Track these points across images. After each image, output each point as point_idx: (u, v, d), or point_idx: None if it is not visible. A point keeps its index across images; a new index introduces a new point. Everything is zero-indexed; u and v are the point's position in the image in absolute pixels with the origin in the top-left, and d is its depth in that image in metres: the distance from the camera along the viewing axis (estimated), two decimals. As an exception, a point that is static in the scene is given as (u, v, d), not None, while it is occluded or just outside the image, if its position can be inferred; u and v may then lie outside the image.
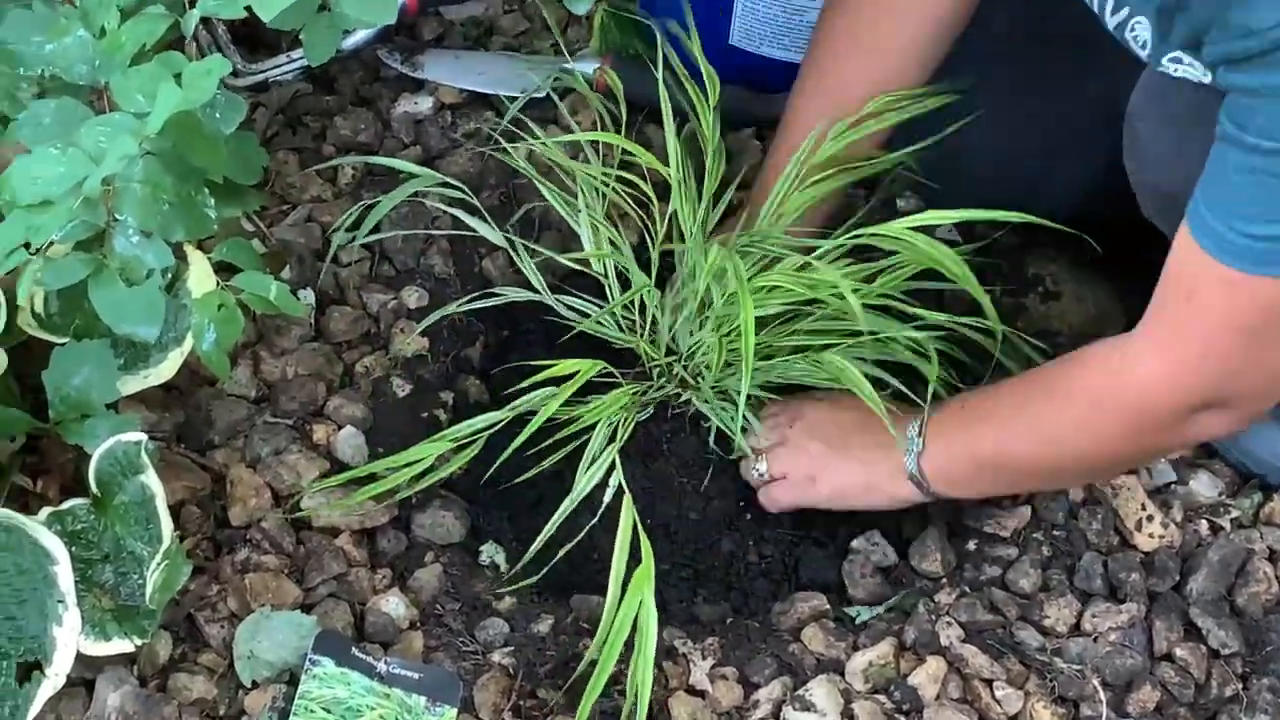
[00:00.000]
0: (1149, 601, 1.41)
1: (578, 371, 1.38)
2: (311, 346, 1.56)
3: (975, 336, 1.46)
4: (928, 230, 1.40)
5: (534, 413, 1.41)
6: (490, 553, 1.49)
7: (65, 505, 1.30)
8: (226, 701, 1.30)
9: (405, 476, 1.41)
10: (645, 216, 1.51)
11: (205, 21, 1.60)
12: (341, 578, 1.39)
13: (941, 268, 1.39)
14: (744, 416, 1.42)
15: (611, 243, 1.51)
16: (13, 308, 1.31)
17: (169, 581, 1.25)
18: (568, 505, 1.38)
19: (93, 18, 1.31)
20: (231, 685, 1.31)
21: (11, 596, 1.23)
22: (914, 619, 1.39)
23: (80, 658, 1.23)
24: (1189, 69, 1.14)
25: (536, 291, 1.53)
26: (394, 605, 1.37)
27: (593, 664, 1.27)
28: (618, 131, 1.53)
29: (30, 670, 1.22)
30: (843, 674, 1.36)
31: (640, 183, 1.50)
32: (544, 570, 1.40)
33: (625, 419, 1.44)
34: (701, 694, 1.35)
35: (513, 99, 1.75)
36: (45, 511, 1.30)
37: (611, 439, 1.42)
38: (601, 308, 1.51)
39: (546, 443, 1.41)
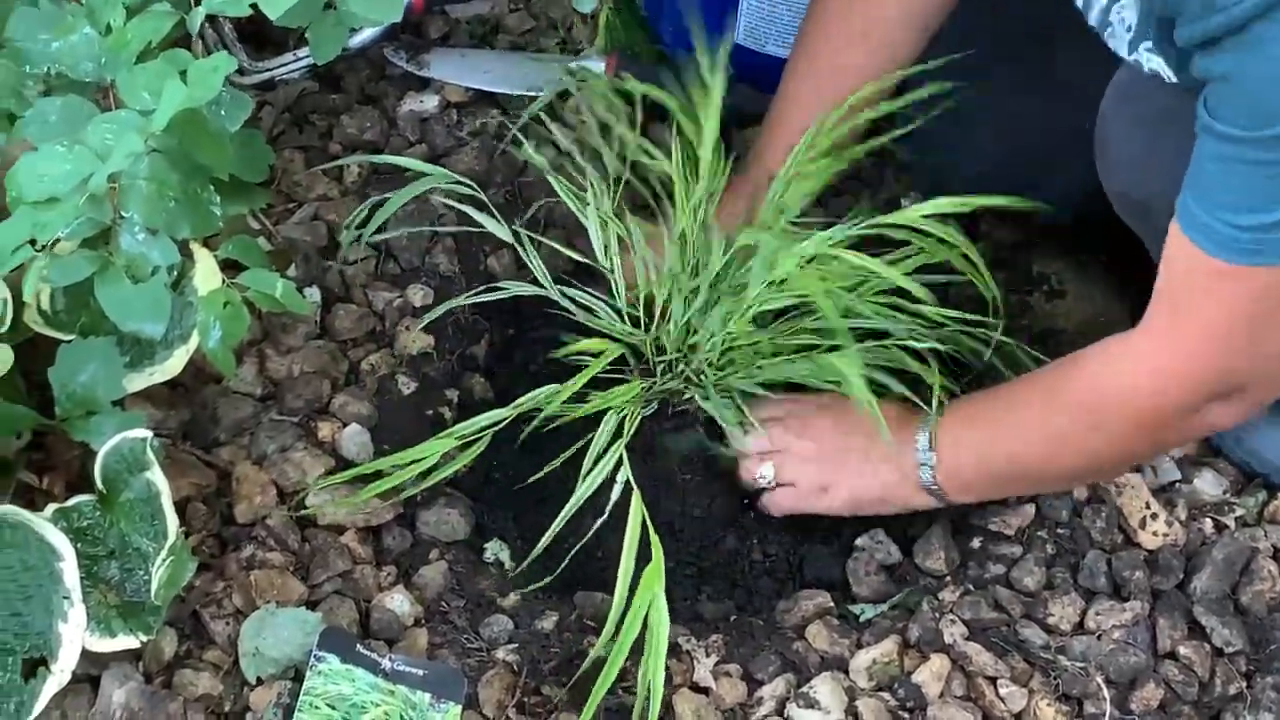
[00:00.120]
0: (1153, 600, 1.41)
1: (588, 365, 1.38)
2: (317, 344, 1.56)
3: (973, 343, 1.45)
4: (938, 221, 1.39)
5: (539, 410, 1.41)
6: (495, 550, 1.49)
7: (71, 502, 1.30)
8: (231, 698, 1.30)
9: (410, 474, 1.41)
10: (657, 211, 1.50)
11: (211, 19, 1.60)
12: (346, 575, 1.39)
13: (955, 259, 1.39)
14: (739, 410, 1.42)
15: (620, 239, 1.51)
16: (19, 305, 1.32)
17: (174, 578, 1.26)
18: (575, 502, 1.38)
19: (99, 15, 1.31)
20: (236, 682, 1.31)
21: (17, 592, 1.24)
22: (918, 616, 1.39)
23: (85, 654, 1.23)
24: (1160, 64, 1.14)
25: (542, 286, 1.53)
26: (399, 602, 1.38)
27: (596, 661, 1.28)
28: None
29: (36, 666, 1.22)
30: (847, 671, 1.36)
31: (641, 185, 1.49)
32: (549, 567, 1.40)
33: (632, 413, 1.44)
34: (705, 691, 1.35)
35: (519, 97, 1.75)
36: (51, 508, 1.30)
37: (618, 435, 1.42)
38: (607, 303, 1.51)
39: (551, 441, 1.42)
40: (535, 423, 1.39)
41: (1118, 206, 1.34)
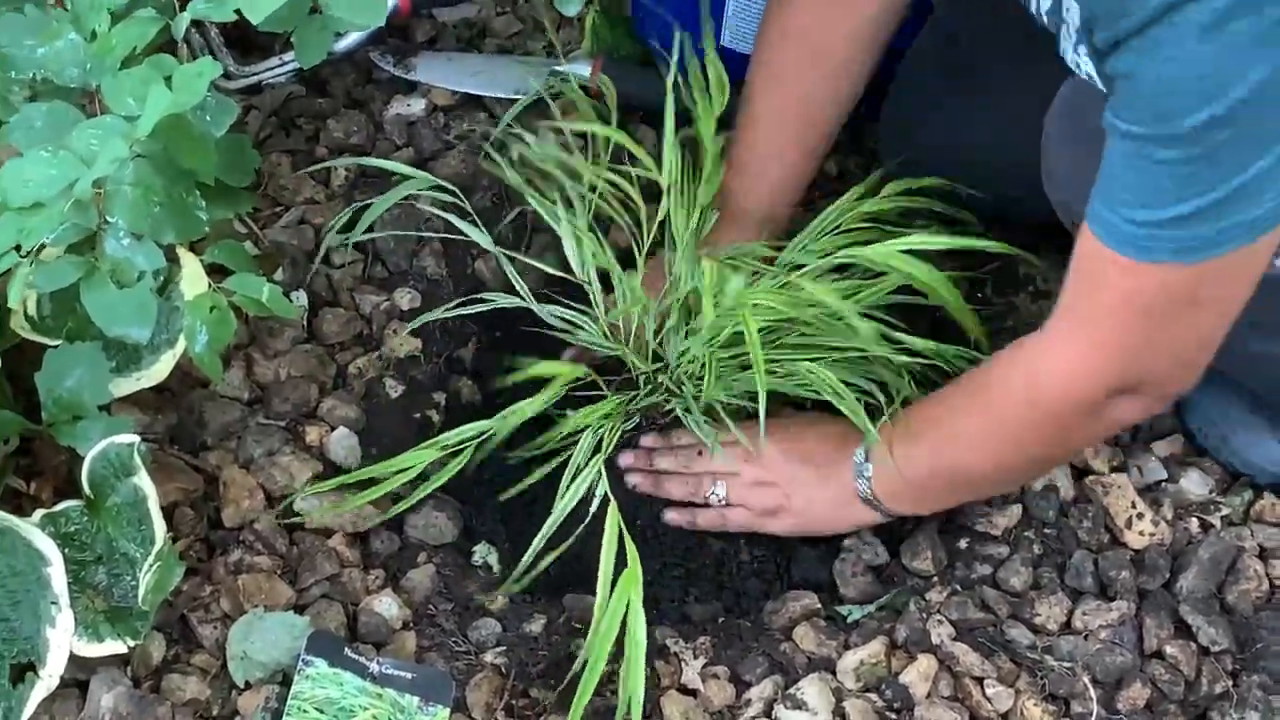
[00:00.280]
0: (1139, 599, 1.42)
1: (558, 375, 1.38)
2: (304, 348, 1.56)
3: (959, 364, 1.46)
4: (919, 252, 1.40)
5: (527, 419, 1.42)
6: (483, 553, 1.49)
7: (58, 507, 1.30)
8: (219, 702, 1.30)
9: (397, 482, 1.41)
10: (634, 222, 1.51)
11: (197, 24, 1.59)
12: (334, 578, 1.39)
13: (931, 290, 1.40)
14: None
15: (595, 254, 1.51)
16: (5, 310, 1.32)
17: (162, 583, 1.26)
18: (556, 516, 1.40)
19: (84, 21, 1.31)
20: (224, 686, 1.31)
21: (5, 598, 1.24)
22: (905, 617, 1.39)
23: (74, 659, 1.24)
24: (1092, 69, 1.15)
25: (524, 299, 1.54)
26: (386, 606, 1.38)
27: (584, 664, 1.28)
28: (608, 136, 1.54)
29: (24, 671, 1.22)
30: (834, 672, 1.36)
31: (629, 187, 1.50)
32: (536, 572, 1.40)
33: (611, 428, 1.45)
34: (693, 693, 1.35)
35: (505, 100, 1.75)
36: (38, 513, 1.30)
37: (598, 449, 1.43)
38: (588, 315, 1.51)
39: (538, 448, 1.42)
40: (502, 434, 1.41)
41: (1061, 216, 1.36)
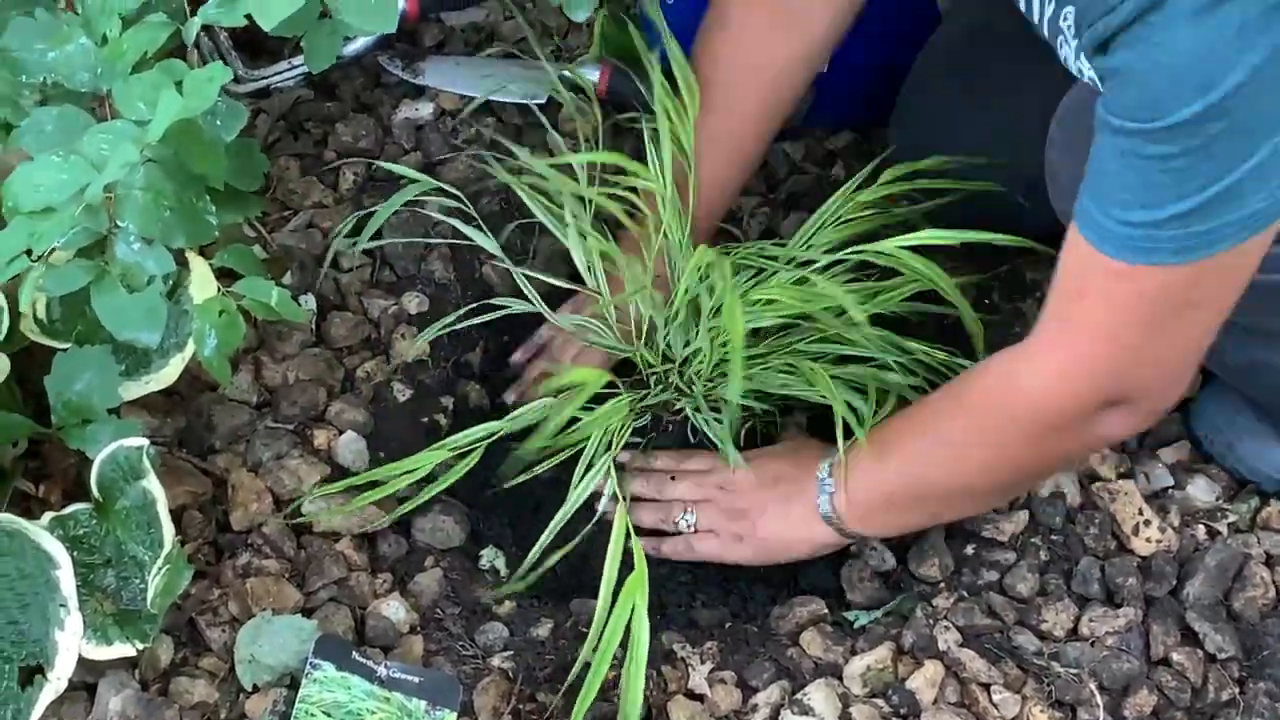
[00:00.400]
0: (1146, 606, 1.42)
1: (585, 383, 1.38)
2: (313, 352, 1.56)
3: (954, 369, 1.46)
4: (925, 249, 1.40)
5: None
6: (490, 557, 1.49)
7: (67, 510, 1.31)
8: (228, 705, 1.30)
9: (405, 483, 1.42)
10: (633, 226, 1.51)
11: (207, 28, 1.60)
12: (342, 582, 1.40)
13: (938, 288, 1.40)
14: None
15: (603, 253, 1.51)
16: (15, 314, 1.32)
17: (170, 586, 1.26)
18: (564, 514, 1.39)
19: (95, 25, 1.31)
20: (232, 689, 1.31)
21: (14, 601, 1.24)
22: (912, 623, 1.39)
23: (82, 662, 1.24)
24: (1092, 73, 1.14)
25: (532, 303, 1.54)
26: (394, 609, 1.38)
27: (590, 668, 1.28)
28: (616, 136, 1.54)
29: (32, 674, 1.23)
30: (841, 678, 1.36)
31: (633, 196, 1.50)
32: (544, 575, 1.41)
33: (621, 427, 1.44)
34: (700, 698, 1.35)
35: (513, 105, 1.75)
36: (47, 516, 1.30)
37: (608, 447, 1.43)
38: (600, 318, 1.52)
39: (545, 450, 1.42)
40: (535, 442, 1.39)
41: (1065, 225, 1.35)
